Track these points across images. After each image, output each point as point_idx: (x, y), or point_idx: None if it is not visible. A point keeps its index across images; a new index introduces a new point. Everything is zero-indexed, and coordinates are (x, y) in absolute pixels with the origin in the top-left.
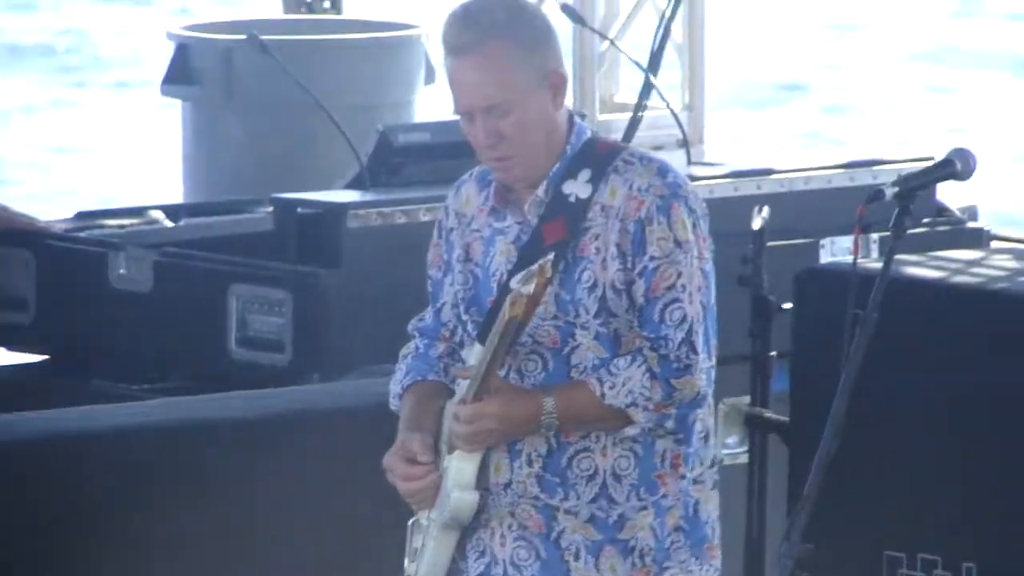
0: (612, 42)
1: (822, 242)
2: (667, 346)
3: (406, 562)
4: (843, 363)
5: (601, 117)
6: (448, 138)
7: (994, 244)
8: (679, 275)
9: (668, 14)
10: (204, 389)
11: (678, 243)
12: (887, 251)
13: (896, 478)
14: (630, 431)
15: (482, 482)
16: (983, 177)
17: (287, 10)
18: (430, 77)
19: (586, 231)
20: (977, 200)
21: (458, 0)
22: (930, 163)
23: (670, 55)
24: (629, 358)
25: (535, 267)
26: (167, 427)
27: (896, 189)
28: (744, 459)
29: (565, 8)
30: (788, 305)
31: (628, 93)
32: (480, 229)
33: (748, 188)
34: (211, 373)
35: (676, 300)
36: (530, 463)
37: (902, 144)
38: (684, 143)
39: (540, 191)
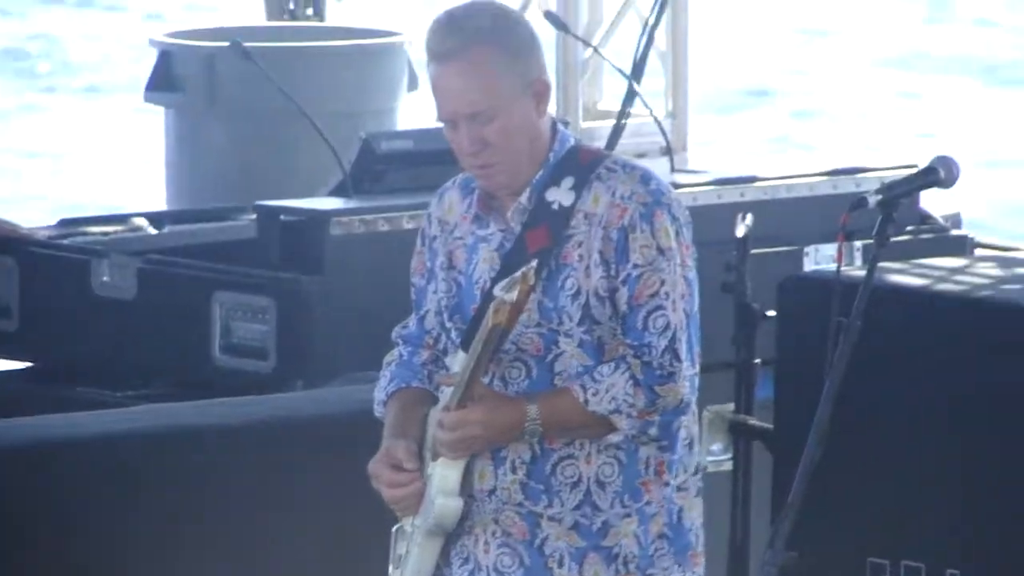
0: (596, 49)
1: (806, 250)
2: (650, 353)
3: (390, 568)
4: (827, 370)
5: (584, 124)
6: (431, 145)
7: (977, 252)
8: (662, 283)
9: (651, 22)
10: (188, 396)
11: (661, 251)
12: (870, 259)
13: (880, 485)
14: (613, 438)
15: (466, 489)
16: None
17: (270, 17)
18: (413, 84)
19: (569, 238)
20: (945, 205)
21: (442, 7)
22: (913, 171)
23: (653, 62)
24: (612, 365)
25: (518, 274)
26: (151, 433)
27: (879, 197)
28: (728, 466)
29: (548, 15)
30: (772, 313)
31: (611, 100)
32: (463, 236)
33: (731, 196)
34: (195, 380)
35: (659, 308)
36: (514, 470)
37: (871, 150)
38: (667, 150)
39: (523, 198)
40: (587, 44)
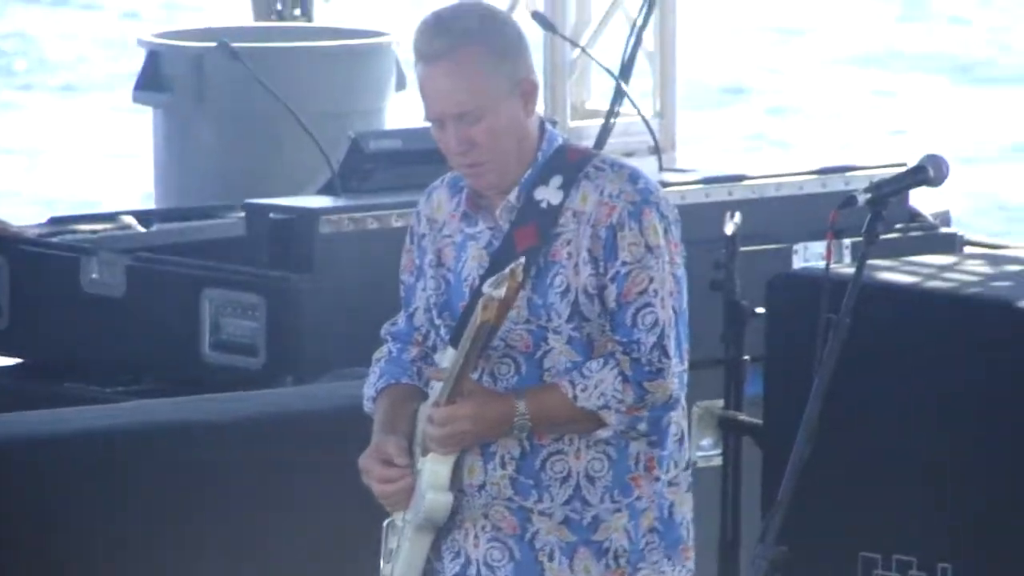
0: (583, 49)
1: (795, 247)
2: (639, 350)
3: (381, 563)
4: (816, 367)
5: (572, 124)
6: (419, 145)
7: (967, 249)
8: (651, 280)
9: (639, 22)
10: (178, 392)
11: (649, 248)
12: (860, 256)
13: (870, 480)
14: (602, 433)
15: (456, 484)
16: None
17: (257, 17)
18: (401, 84)
19: (558, 236)
20: (916, 201)
21: (430, 7)
22: (902, 169)
23: (641, 62)
24: (601, 361)
25: (506, 271)
26: (141, 430)
27: (869, 195)
28: (718, 461)
29: (536, 16)
30: (761, 310)
31: (599, 100)
32: (452, 235)
33: (720, 194)
34: (185, 376)
35: (648, 305)
36: (504, 465)
37: (846, 147)
38: (656, 149)
39: (512, 197)
40: (575, 44)
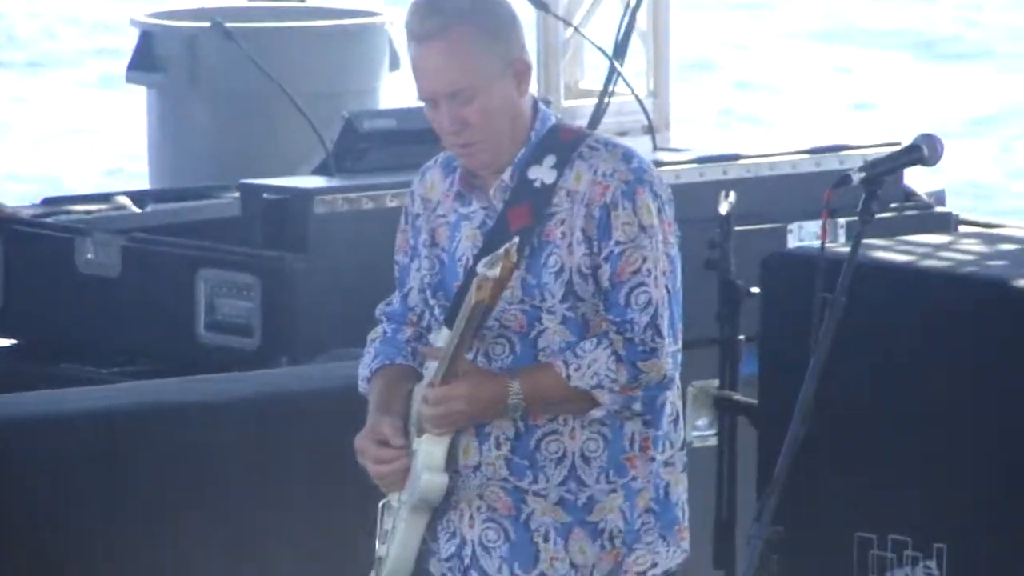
0: (577, 29)
1: (790, 227)
2: (632, 329)
3: (377, 544)
4: (811, 347)
5: (566, 103)
6: (413, 124)
7: (961, 228)
8: (644, 260)
9: (633, 2)
10: (173, 373)
11: (643, 228)
12: (854, 235)
13: (866, 460)
14: (596, 413)
15: (451, 464)
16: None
17: None
18: (394, 64)
19: (551, 216)
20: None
21: None
22: (897, 149)
23: (634, 41)
24: (595, 340)
25: (501, 251)
26: (136, 410)
27: (863, 174)
28: (713, 441)
29: None
30: (756, 289)
31: (593, 79)
32: (446, 214)
33: (714, 174)
34: (180, 357)
35: (641, 284)
36: (498, 446)
37: (812, 121)
38: (649, 129)
39: (505, 176)
40: (568, 24)
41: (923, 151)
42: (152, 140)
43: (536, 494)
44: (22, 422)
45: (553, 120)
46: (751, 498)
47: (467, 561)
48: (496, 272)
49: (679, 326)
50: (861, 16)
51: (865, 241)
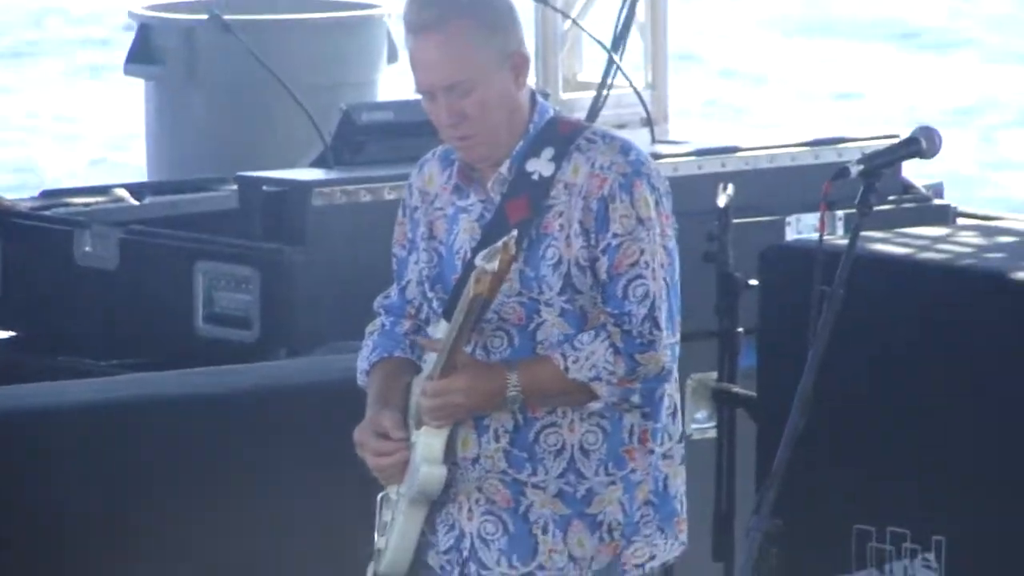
0: (575, 21)
1: (788, 219)
2: (630, 322)
3: (375, 536)
4: (810, 339)
5: (564, 96)
6: (411, 117)
7: (960, 221)
8: (642, 252)
9: None
10: (171, 365)
11: (640, 220)
12: (853, 228)
13: (864, 452)
14: (594, 405)
15: (450, 457)
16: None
17: None
18: (393, 56)
19: (549, 209)
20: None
21: None
22: (895, 141)
23: (632, 34)
24: (593, 333)
25: (499, 244)
26: (134, 403)
27: (861, 167)
28: (712, 434)
29: None
30: (754, 282)
31: (591, 72)
32: (443, 207)
33: (712, 166)
34: (178, 350)
35: (639, 276)
36: (497, 438)
37: (797, 111)
38: (648, 121)
39: (503, 169)
40: (566, 16)
41: (921, 144)
42: (150, 132)
43: (535, 486)
44: (20, 414)
45: (551, 113)
46: (750, 491)
47: (465, 554)
48: (495, 265)
49: (677, 318)
50: (844, 6)
51: (863, 233)
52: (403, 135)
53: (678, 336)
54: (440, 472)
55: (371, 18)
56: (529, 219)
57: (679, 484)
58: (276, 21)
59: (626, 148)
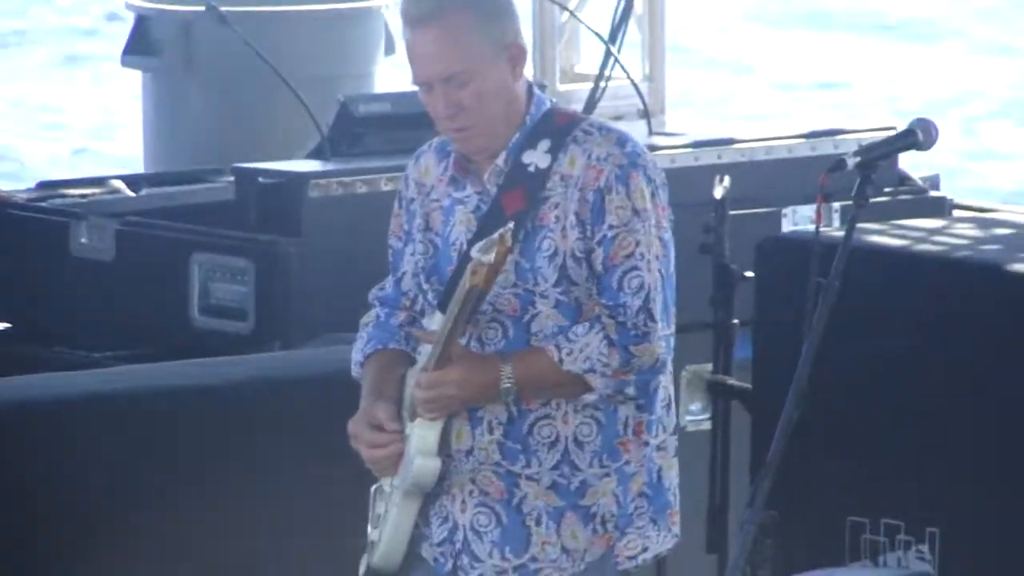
0: (572, 13)
1: (784, 211)
2: (625, 313)
3: (369, 528)
4: (805, 331)
5: (562, 87)
6: (408, 109)
7: (956, 213)
8: (637, 244)
9: None
10: (167, 357)
11: (636, 212)
12: (849, 220)
13: (859, 444)
14: (589, 397)
15: (444, 449)
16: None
17: None
18: (390, 48)
19: (545, 200)
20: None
21: None
22: (892, 133)
23: (630, 26)
24: (587, 325)
25: (495, 236)
26: (130, 394)
27: (858, 159)
28: (707, 426)
29: None
30: (750, 273)
31: (589, 63)
32: (439, 199)
33: (709, 158)
34: (174, 341)
35: (634, 268)
36: (491, 430)
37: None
38: (645, 113)
39: (500, 161)
40: (564, 8)
41: (918, 136)
42: (147, 124)
43: (529, 478)
44: (15, 406)
45: (548, 104)
46: (744, 482)
47: (458, 546)
48: (491, 257)
49: (672, 310)
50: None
51: (859, 225)
52: (400, 127)
53: (673, 328)
54: (434, 464)
55: (368, 10)
56: (525, 211)
57: (673, 476)
58: (273, 13)
59: (622, 140)
